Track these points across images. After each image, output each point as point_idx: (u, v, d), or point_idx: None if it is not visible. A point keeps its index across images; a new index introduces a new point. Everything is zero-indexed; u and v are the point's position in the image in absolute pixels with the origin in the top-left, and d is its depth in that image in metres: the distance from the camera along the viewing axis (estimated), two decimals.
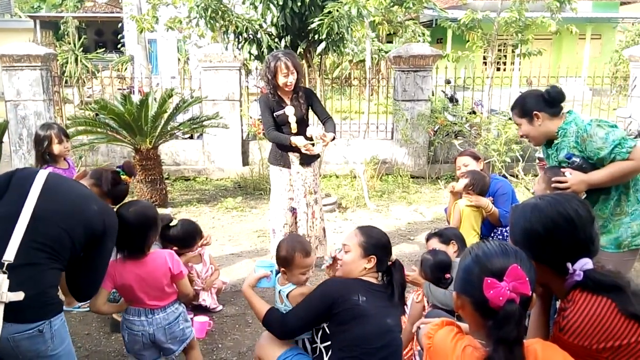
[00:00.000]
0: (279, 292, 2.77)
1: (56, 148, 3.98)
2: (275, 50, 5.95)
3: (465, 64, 9.80)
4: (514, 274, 1.46)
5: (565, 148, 2.94)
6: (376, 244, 2.54)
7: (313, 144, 4.32)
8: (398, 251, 5.36)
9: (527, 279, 1.46)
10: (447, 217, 4.30)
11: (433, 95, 8.47)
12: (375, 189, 7.42)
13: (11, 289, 2.05)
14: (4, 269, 2.06)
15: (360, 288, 2.44)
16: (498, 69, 12.86)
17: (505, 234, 3.97)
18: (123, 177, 3.08)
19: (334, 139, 4.45)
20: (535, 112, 2.99)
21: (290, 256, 2.70)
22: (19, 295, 2.05)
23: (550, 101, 3.02)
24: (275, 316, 2.60)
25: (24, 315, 2.11)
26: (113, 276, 2.73)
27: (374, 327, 2.36)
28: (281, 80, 4.28)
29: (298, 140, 4.28)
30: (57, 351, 2.23)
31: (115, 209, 2.72)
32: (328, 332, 2.45)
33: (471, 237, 3.91)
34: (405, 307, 3.15)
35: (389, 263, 2.54)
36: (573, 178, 2.83)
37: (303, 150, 4.33)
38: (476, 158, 4.25)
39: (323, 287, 2.53)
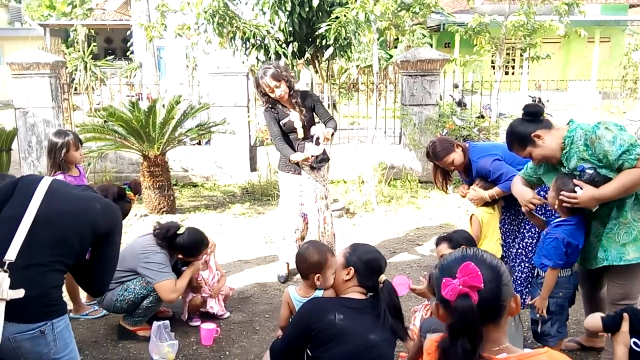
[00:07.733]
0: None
1: (74, 155, 4.00)
2: (281, 56, 5.97)
3: (473, 68, 9.76)
4: (465, 269, 1.51)
5: (575, 155, 2.88)
6: (359, 257, 2.55)
7: (316, 155, 4.34)
8: (407, 257, 5.32)
9: (479, 273, 1.49)
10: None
11: (441, 99, 8.43)
12: (384, 194, 7.38)
13: (12, 288, 2.06)
14: (5, 267, 2.08)
15: (338, 307, 2.42)
16: (506, 73, 12.80)
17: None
18: (128, 193, 3.34)
19: (333, 134, 4.55)
20: (532, 134, 2.96)
21: (324, 259, 2.77)
22: (19, 293, 2.06)
23: (532, 119, 3.01)
24: (274, 342, 2.67)
25: (25, 315, 2.10)
26: None
27: (353, 346, 2.33)
28: (273, 95, 4.35)
29: (297, 157, 4.34)
30: (60, 355, 2.22)
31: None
32: (310, 355, 2.42)
33: (494, 242, 3.87)
34: (413, 320, 3.13)
35: (379, 285, 2.49)
36: (583, 195, 2.76)
37: (303, 164, 4.38)
38: (448, 150, 3.86)
39: (301, 310, 2.56)
